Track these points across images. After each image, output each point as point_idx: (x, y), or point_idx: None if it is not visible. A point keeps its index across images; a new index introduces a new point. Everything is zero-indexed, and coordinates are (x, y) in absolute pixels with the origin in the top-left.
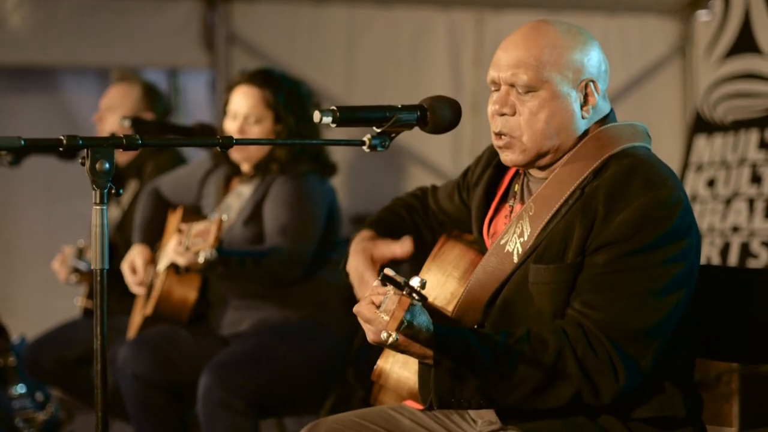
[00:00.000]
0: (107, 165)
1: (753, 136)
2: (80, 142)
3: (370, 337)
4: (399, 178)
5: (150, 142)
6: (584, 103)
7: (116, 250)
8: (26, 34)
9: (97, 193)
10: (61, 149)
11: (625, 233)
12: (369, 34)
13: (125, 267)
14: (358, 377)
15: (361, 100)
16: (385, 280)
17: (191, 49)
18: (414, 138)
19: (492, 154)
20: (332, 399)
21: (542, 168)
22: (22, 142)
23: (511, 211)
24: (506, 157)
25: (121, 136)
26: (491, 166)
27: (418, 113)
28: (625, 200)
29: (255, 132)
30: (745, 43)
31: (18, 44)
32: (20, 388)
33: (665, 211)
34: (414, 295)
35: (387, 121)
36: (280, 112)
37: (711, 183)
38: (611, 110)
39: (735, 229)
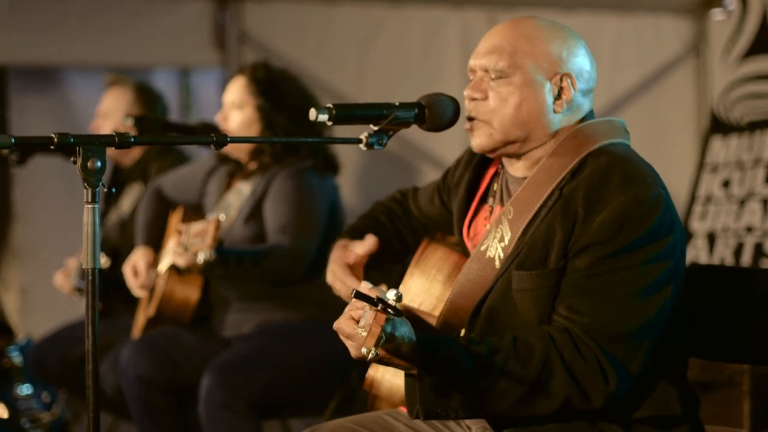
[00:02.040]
0: (99, 163)
1: None
2: (71, 140)
3: (353, 353)
4: (410, 176)
5: (143, 140)
6: (558, 96)
7: (119, 253)
8: (37, 34)
9: (89, 191)
10: (52, 147)
11: (606, 234)
12: (381, 34)
13: (127, 270)
14: (362, 379)
15: (373, 99)
16: (358, 298)
17: (202, 48)
18: (425, 136)
19: (470, 155)
20: (336, 400)
21: (511, 156)
22: (12, 140)
23: (490, 212)
24: (473, 141)
25: (114, 134)
26: (470, 168)
27: (416, 111)
28: (604, 200)
29: (236, 118)
30: (763, 43)
31: (28, 44)
32: (26, 389)
33: (645, 209)
34: (389, 309)
35: (384, 118)
36: (261, 100)
37: (726, 184)
38: (590, 110)
39: (749, 230)
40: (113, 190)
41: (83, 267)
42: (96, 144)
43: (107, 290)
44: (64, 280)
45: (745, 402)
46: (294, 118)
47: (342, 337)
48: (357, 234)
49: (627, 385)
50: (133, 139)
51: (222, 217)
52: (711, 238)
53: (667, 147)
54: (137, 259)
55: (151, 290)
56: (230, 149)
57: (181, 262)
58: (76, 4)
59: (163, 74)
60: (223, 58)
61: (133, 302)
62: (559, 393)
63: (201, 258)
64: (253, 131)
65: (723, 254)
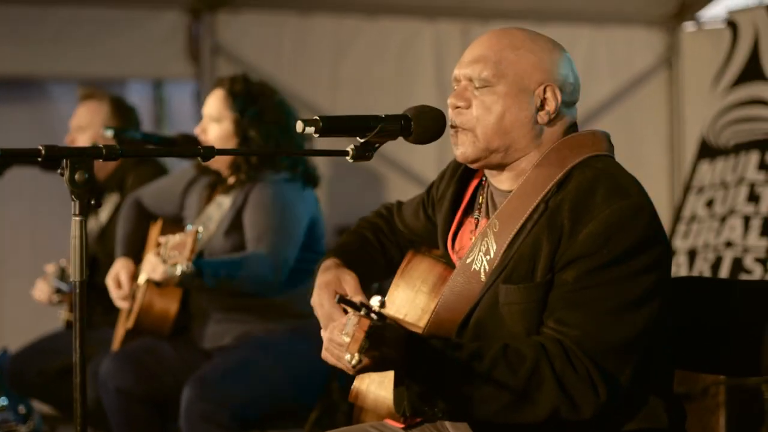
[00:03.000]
0: (87, 175)
1: (753, 157)
2: (59, 152)
3: (340, 364)
4: (383, 188)
5: (131, 152)
6: (541, 107)
7: (97, 263)
8: (11, 45)
9: (77, 204)
10: (40, 159)
11: (592, 247)
12: (355, 45)
13: (109, 281)
14: (343, 390)
15: (347, 111)
16: (341, 303)
17: (176, 60)
18: (398, 148)
19: (454, 168)
20: (316, 412)
21: (493, 168)
22: (0, 153)
23: (476, 225)
24: (457, 150)
25: (101, 146)
26: (454, 181)
27: (402, 123)
28: (590, 213)
29: (215, 131)
30: (752, 71)
31: (3, 55)
32: (2, 401)
33: (631, 221)
34: (372, 315)
35: (371, 131)
36: (238, 115)
37: (710, 203)
38: (574, 122)
39: (728, 245)
40: (100, 203)
41: (71, 280)
42: (84, 156)
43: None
44: (43, 286)
45: (720, 413)
46: (271, 132)
47: (328, 350)
48: (345, 253)
49: (617, 397)
50: (121, 152)
51: (200, 229)
52: (692, 255)
53: (639, 157)
54: (119, 270)
55: (131, 302)
56: (211, 161)
57: (157, 276)
58: (51, 17)
59: (136, 85)
60: (196, 69)
61: (112, 313)
62: (548, 402)
63: (178, 270)
64: (231, 144)
65: (701, 269)
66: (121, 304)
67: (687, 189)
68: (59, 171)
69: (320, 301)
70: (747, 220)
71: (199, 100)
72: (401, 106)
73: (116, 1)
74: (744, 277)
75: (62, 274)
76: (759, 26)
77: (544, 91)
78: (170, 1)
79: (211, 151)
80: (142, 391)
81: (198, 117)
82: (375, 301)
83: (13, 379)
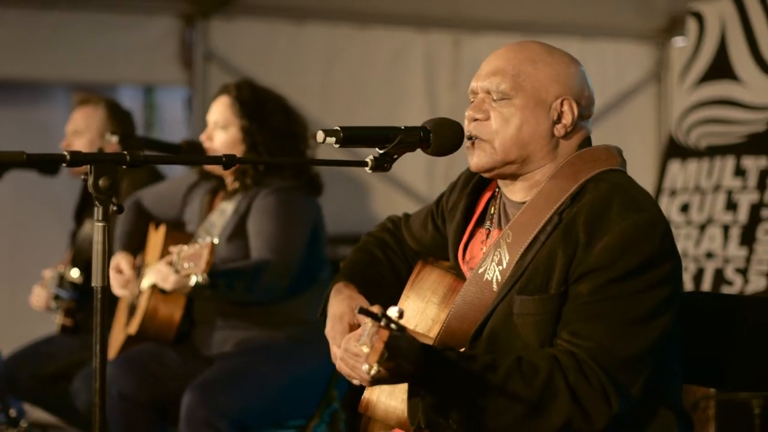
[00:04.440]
0: (110, 181)
1: (729, 163)
2: (84, 158)
3: (354, 374)
4: (372, 199)
5: (153, 158)
6: (558, 120)
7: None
8: (2, 48)
9: (100, 209)
10: (64, 164)
11: (608, 260)
12: (347, 54)
13: (110, 270)
14: (343, 398)
15: (337, 119)
16: (362, 314)
17: (168, 66)
18: None
19: (466, 180)
20: (316, 419)
21: (506, 177)
22: (25, 157)
23: (487, 235)
24: (472, 159)
25: (125, 152)
26: (467, 192)
27: (422, 134)
28: (605, 226)
29: (221, 138)
30: (720, 68)
31: None
32: None
33: (647, 235)
34: (392, 325)
35: (390, 142)
36: (245, 121)
37: (684, 208)
38: (588, 136)
39: (709, 255)
40: (123, 208)
41: (93, 285)
42: (108, 162)
43: (82, 305)
44: (41, 292)
45: (710, 427)
46: (278, 139)
47: (344, 361)
48: (356, 275)
49: (628, 408)
50: (144, 159)
51: (215, 240)
52: None
53: (627, 171)
54: (119, 260)
55: (132, 308)
56: (214, 167)
57: (168, 285)
58: (43, 20)
59: (127, 91)
60: (188, 76)
61: (110, 318)
62: (561, 414)
63: (192, 281)
64: (237, 151)
65: (683, 279)
66: (120, 292)
67: (659, 191)
68: (83, 176)
69: (333, 334)
70: (726, 229)
71: (191, 106)
72: (392, 116)
73: (109, 5)
74: (726, 288)
75: (61, 280)
76: (726, 20)
77: (561, 105)
78: (164, 7)
79: (233, 159)
80: (144, 397)
81: (189, 123)
82: (393, 312)
83: (5, 382)
